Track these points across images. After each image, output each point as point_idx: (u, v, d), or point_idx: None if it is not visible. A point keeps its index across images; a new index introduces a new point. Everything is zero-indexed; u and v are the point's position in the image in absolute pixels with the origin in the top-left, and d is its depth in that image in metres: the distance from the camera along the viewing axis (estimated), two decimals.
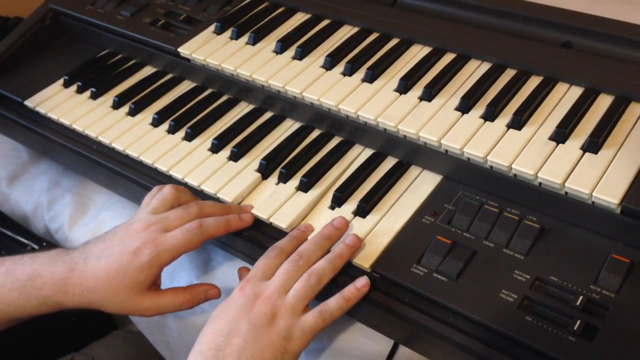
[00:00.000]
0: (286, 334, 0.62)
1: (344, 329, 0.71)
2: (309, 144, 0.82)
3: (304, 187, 0.76)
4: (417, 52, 0.84)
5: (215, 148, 0.83)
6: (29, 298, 0.69)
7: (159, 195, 0.74)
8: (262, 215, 0.74)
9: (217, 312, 0.65)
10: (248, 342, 0.60)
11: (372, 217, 0.71)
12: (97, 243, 0.71)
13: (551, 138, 0.69)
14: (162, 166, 0.82)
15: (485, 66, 0.79)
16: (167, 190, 0.74)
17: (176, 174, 0.80)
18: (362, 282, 0.65)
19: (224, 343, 0.61)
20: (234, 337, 0.61)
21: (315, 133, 0.83)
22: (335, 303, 0.64)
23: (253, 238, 0.74)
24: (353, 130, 0.80)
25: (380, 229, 0.70)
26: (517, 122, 0.70)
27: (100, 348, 1.02)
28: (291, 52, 0.87)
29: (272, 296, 0.63)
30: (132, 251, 0.67)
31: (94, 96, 0.94)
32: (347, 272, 0.67)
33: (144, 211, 0.73)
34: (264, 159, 0.79)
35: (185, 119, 0.87)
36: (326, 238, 0.69)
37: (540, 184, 0.67)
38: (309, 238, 0.70)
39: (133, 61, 1.01)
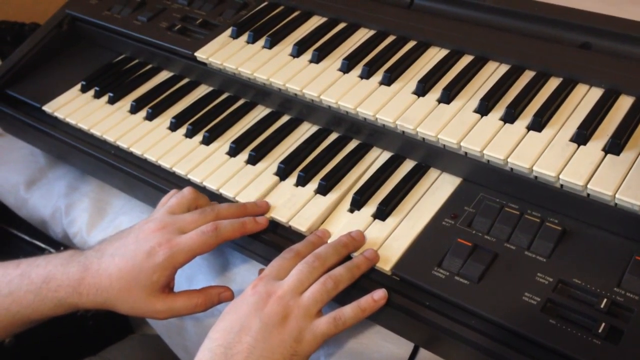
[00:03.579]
0: (297, 336, 0.61)
1: (363, 332, 0.70)
2: (327, 147, 0.81)
3: (323, 190, 0.76)
4: (434, 55, 0.83)
5: (233, 152, 0.83)
6: (45, 300, 0.70)
7: (177, 195, 0.74)
8: (281, 218, 0.74)
9: (228, 309, 0.64)
10: (258, 341, 0.60)
11: (391, 220, 0.71)
12: (112, 241, 0.71)
13: (572, 140, 0.68)
14: (180, 170, 0.82)
15: (504, 68, 0.79)
16: (186, 190, 0.74)
17: (195, 177, 0.81)
18: (379, 294, 0.65)
19: (233, 341, 0.60)
20: (244, 335, 0.61)
21: (333, 136, 0.83)
22: (350, 311, 0.64)
23: (271, 241, 0.74)
24: (371, 133, 0.80)
25: (400, 231, 0.70)
26: (538, 124, 0.70)
27: (117, 352, 1.02)
28: (308, 55, 0.87)
29: (285, 296, 0.63)
30: (147, 251, 0.67)
31: (112, 101, 0.95)
32: (368, 275, 0.67)
33: (160, 211, 0.73)
34: (282, 162, 0.79)
35: (203, 123, 0.88)
36: (343, 245, 0.68)
37: (561, 186, 0.66)
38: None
39: (150, 66, 1.01)
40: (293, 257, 0.68)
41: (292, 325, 0.62)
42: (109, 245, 0.71)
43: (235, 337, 0.61)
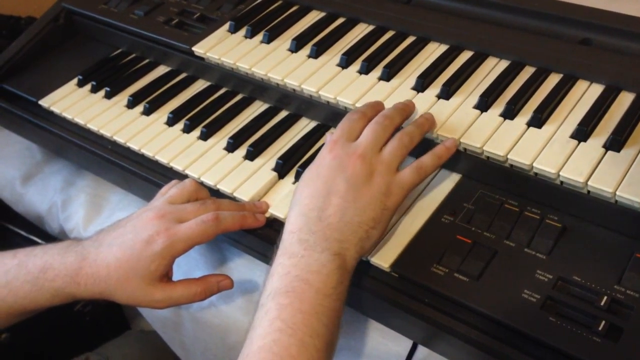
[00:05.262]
0: (385, 190, 0.64)
1: (362, 329, 0.70)
2: None
3: None
4: (433, 50, 0.83)
5: (231, 147, 0.82)
6: (42, 290, 0.69)
7: (178, 185, 0.73)
8: (279, 214, 0.73)
9: (309, 176, 0.66)
10: (349, 201, 0.62)
11: None
12: (110, 231, 0.70)
13: (572, 136, 0.68)
14: (178, 165, 0.81)
15: (504, 64, 0.78)
16: (187, 182, 0.74)
17: (192, 173, 0.80)
18: (451, 142, 0.70)
19: (324, 204, 0.62)
20: (333, 197, 0.62)
21: None
22: (429, 160, 0.68)
23: (267, 236, 0.73)
24: None
25: (400, 228, 0.69)
26: (538, 120, 0.70)
27: (114, 348, 1.02)
28: (306, 50, 0.86)
29: (367, 154, 0.65)
30: (145, 239, 0.67)
31: (108, 95, 0.94)
32: (367, 273, 0.66)
33: (159, 200, 0.72)
34: (280, 158, 0.79)
35: (200, 118, 0.87)
36: (405, 106, 0.72)
37: (561, 182, 0.66)
38: None
39: (147, 60, 1.00)
40: (360, 118, 0.69)
41: (378, 181, 0.64)
42: (106, 235, 0.70)
43: (325, 200, 0.62)
